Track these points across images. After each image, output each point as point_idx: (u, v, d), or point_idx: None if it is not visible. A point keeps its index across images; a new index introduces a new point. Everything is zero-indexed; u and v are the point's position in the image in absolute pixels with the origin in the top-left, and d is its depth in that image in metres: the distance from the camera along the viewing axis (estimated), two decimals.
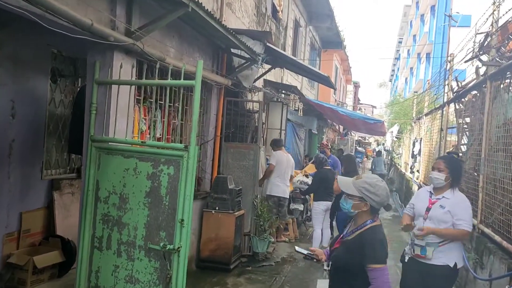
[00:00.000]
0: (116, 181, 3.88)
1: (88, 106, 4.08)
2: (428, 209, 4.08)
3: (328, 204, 7.76)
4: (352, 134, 32.18)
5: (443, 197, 4.05)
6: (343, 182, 2.80)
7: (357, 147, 37.63)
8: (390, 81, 60.55)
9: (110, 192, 3.90)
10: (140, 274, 3.76)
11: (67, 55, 5.56)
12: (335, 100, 24.02)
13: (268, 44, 7.19)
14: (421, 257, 3.99)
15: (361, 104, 45.26)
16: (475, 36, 6.81)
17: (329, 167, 8.21)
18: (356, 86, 41.01)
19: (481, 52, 6.25)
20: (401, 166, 20.08)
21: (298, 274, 6.68)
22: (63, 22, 3.29)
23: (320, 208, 7.71)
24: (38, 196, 5.20)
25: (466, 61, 7.05)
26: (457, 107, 7.97)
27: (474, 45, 6.73)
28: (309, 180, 9.56)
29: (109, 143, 3.99)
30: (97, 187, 3.97)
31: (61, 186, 5.49)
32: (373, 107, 47.60)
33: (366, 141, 46.76)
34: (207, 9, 4.67)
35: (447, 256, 3.95)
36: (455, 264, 3.95)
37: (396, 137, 23.97)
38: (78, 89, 5.48)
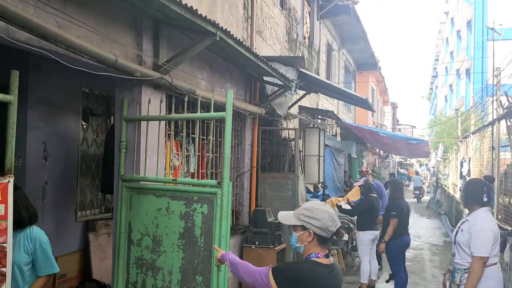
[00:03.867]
0: (148, 222, 3.68)
1: (118, 144, 3.94)
2: (456, 233, 3.91)
3: (375, 233, 7.28)
4: (394, 156, 31.25)
5: (466, 219, 3.87)
6: (283, 216, 2.53)
7: (399, 169, 36.49)
8: (428, 99, 59.12)
9: (143, 234, 3.70)
10: None
11: (99, 94, 5.53)
12: (373, 122, 23.46)
13: (301, 69, 6.98)
14: (453, 283, 3.82)
15: (400, 125, 44.16)
16: None
17: (376, 195, 7.71)
18: (394, 107, 40.14)
19: None
20: (448, 187, 19.12)
21: None
22: (86, 60, 3.17)
23: (366, 238, 7.21)
24: (73, 238, 5.07)
25: None
26: (509, 123, 7.41)
27: None
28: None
29: (140, 182, 3.81)
30: (130, 229, 3.78)
31: (97, 227, 5.36)
32: (413, 127, 46.35)
33: (408, 162, 45.41)
34: (237, 37, 4.50)
35: None
36: None
37: (441, 158, 22.99)
38: (109, 127, 5.41)
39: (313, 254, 2.33)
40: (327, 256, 2.35)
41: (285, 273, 2.31)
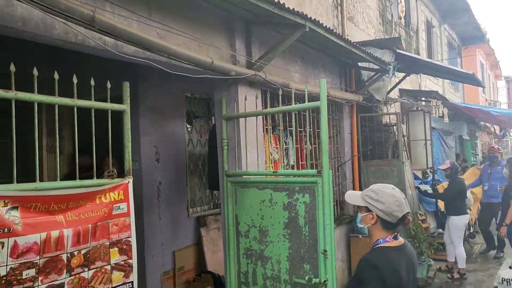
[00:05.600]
0: (253, 214, 3.82)
1: (220, 142, 4.15)
2: None
3: (468, 217, 7.08)
4: None
5: None
6: (350, 195, 2.50)
7: None
8: None
9: (249, 226, 3.86)
10: None
11: (200, 97, 5.86)
12: (486, 99, 21.57)
13: (398, 50, 6.69)
14: None
15: None
16: None
17: (463, 177, 7.32)
18: (509, 80, 36.43)
19: None
20: None
21: None
22: (185, 65, 3.40)
23: (462, 223, 6.92)
24: (187, 233, 5.45)
25: None
26: None
27: None
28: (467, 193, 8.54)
29: (243, 177, 3.98)
30: (237, 222, 3.96)
31: (207, 222, 5.69)
32: None
33: None
34: (326, 26, 4.48)
35: None
36: None
37: None
38: (211, 127, 5.70)
39: (380, 240, 2.30)
40: (395, 238, 2.30)
41: (363, 275, 2.24)
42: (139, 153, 4.79)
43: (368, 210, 2.34)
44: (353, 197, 2.49)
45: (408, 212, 2.33)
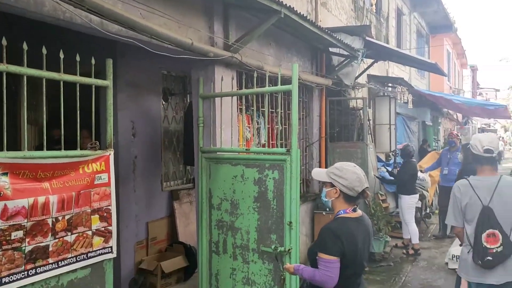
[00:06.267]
0: (226, 188, 4.09)
1: (196, 119, 4.36)
2: None
3: (418, 197, 7.76)
4: (474, 121, 29.55)
5: None
6: (316, 172, 2.77)
7: None
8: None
9: (221, 199, 4.12)
10: (256, 276, 3.90)
11: (176, 75, 6.01)
12: (450, 87, 22.37)
13: (367, 38, 6.99)
14: None
15: (481, 88, 41.41)
16: None
17: (415, 160, 8.03)
18: (474, 69, 37.67)
19: None
20: None
21: (419, 274, 6.35)
22: (167, 45, 3.57)
23: (413, 202, 7.51)
24: (160, 206, 5.67)
25: None
26: None
27: None
28: (425, 176, 9.06)
29: (217, 153, 4.22)
30: (210, 195, 4.22)
31: (180, 196, 5.92)
32: (496, 90, 43.20)
33: (492, 128, 42.67)
34: (300, 12, 4.70)
35: None
36: None
37: None
38: (187, 105, 5.88)
39: (341, 211, 2.60)
40: (354, 210, 2.60)
41: (324, 241, 2.51)
42: (116, 128, 4.92)
43: (332, 185, 2.63)
44: (319, 174, 2.77)
45: (367, 187, 2.64)
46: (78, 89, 2.99)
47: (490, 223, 3.16)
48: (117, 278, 4.73)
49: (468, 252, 3.32)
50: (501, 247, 3.14)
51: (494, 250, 3.15)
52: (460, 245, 3.91)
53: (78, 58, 2.95)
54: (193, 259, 5.32)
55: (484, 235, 3.17)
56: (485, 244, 3.16)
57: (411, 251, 7.24)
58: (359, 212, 2.65)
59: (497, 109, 12.24)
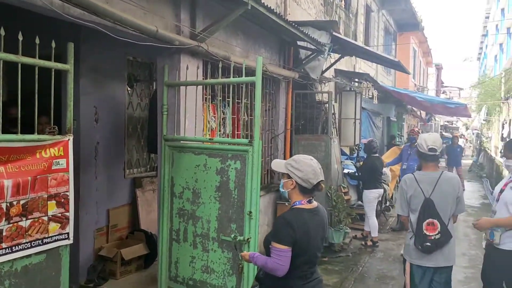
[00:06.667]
0: (188, 177, 4.10)
1: (160, 107, 4.34)
2: (501, 191, 3.86)
3: (380, 191, 7.81)
4: (437, 119, 30.44)
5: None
6: (276, 163, 2.83)
7: (443, 133, 35.60)
8: (478, 59, 56.33)
9: (184, 188, 4.14)
10: (215, 264, 3.95)
11: (142, 61, 5.94)
12: (415, 85, 22.95)
13: (334, 33, 7.10)
14: (491, 241, 3.78)
15: (445, 87, 42.61)
16: None
17: (378, 155, 8.13)
18: (438, 68, 38.73)
19: None
20: (490, 150, 18.71)
21: (376, 264, 6.56)
22: (131, 31, 3.54)
23: (372, 196, 7.66)
24: (122, 193, 5.62)
25: None
26: None
27: None
28: (386, 170, 9.31)
29: (181, 142, 4.22)
30: (172, 183, 4.23)
31: (143, 183, 5.88)
32: (460, 89, 44.54)
33: (454, 125, 43.98)
34: (267, 5, 4.73)
35: None
36: None
37: (484, 120, 22.32)
38: (152, 92, 5.83)
39: (297, 202, 2.66)
40: (310, 201, 2.68)
41: (277, 230, 2.60)
42: (78, 113, 4.84)
43: (289, 176, 2.69)
44: (278, 164, 2.82)
45: (322, 180, 2.71)
46: (37, 72, 2.92)
47: (430, 213, 3.49)
48: (75, 264, 4.69)
49: (410, 238, 3.65)
50: (439, 234, 3.48)
51: (433, 237, 3.48)
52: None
53: (37, 41, 2.89)
54: (154, 247, 5.31)
55: (424, 224, 3.51)
56: (425, 231, 3.50)
57: (369, 243, 7.46)
58: (314, 204, 2.72)
59: (457, 108, 12.69)
